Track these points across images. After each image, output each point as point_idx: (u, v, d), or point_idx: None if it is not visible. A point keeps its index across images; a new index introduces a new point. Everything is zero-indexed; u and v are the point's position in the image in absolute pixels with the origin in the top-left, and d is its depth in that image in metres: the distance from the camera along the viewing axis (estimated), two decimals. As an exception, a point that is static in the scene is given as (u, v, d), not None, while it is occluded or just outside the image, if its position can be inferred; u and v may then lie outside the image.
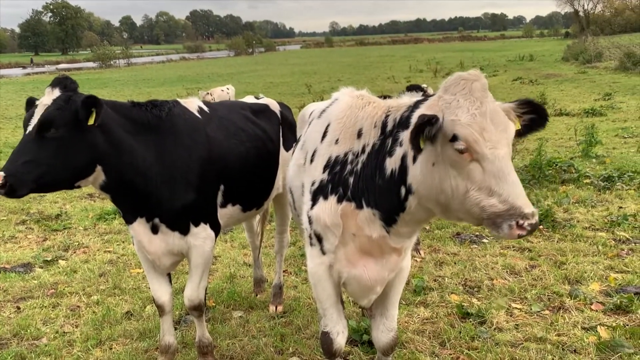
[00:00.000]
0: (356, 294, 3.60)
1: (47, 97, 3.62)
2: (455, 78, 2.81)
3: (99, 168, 3.75)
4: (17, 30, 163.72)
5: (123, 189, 3.89)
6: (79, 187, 3.85)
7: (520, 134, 2.83)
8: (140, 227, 4.06)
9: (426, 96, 6.25)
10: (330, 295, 3.59)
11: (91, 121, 3.62)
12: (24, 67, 78.17)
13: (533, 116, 2.83)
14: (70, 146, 3.62)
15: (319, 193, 3.39)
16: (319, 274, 3.53)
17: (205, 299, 4.57)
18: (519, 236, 2.62)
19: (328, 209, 3.34)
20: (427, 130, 2.71)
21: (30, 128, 3.53)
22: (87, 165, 3.72)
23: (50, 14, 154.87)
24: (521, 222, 2.58)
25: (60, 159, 3.59)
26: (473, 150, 2.66)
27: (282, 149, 5.02)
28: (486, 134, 2.65)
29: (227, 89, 18.90)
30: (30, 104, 3.70)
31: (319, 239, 3.44)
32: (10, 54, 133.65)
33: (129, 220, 4.07)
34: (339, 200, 3.31)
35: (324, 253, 3.47)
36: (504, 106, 2.80)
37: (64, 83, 3.71)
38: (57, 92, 3.64)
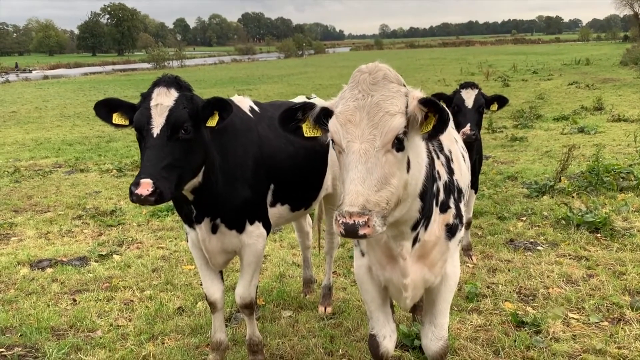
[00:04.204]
0: (393, 296, 3.56)
1: (166, 98, 3.53)
2: (356, 70, 2.76)
3: (202, 168, 3.79)
4: (76, 31, 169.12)
5: (207, 189, 3.88)
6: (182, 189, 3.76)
7: (429, 136, 2.69)
8: (205, 227, 4.09)
9: (482, 94, 6.17)
10: (375, 298, 3.54)
11: (212, 123, 3.64)
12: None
13: (438, 115, 2.66)
14: (195, 147, 3.64)
15: None
16: (360, 276, 3.51)
17: (255, 298, 4.58)
18: (340, 233, 2.47)
19: None
20: (307, 118, 2.85)
21: (157, 130, 3.45)
22: (200, 166, 3.76)
23: (107, 16, 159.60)
24: (339, 218, 2.45)
25: (190, 160, 3.60)
26: (335, 141, 2.65)
27: (331, 149, 5.00)
28: (350, 126, 2.59)
29: None
30: (146, 98, 3.58)
31: None
32: (70, 55, 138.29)
33: (197, 221, 4.06)
34: None
35: (362, 254, 3.45)
36: (413, 104, 2.67)
37: (178, 82, 3.66)
38: (174, 93, 3.58)
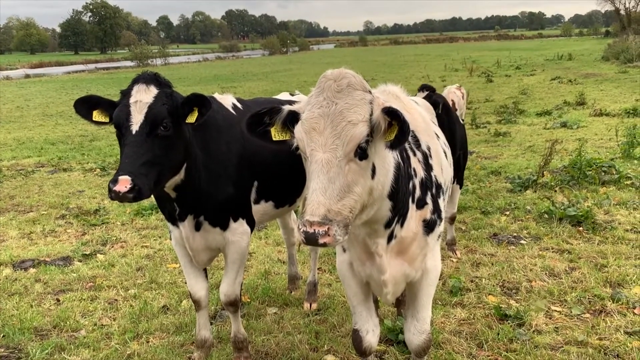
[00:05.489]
0: (375, 292, 3.59)
1: (145, 95, 3.52)
2: (322, 75, 2.75)
3: (184, 165, 3.78)
4: (58, 30, 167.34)
5: (190, 186, 3.88)
6: (163, 187, 3.75)
7: (391, 145, 2.67)
8: (188, 225, 4.09)
9: (430, 97, 6.20)
10: (357, 293, 3.57)
11: (192, 119, 3.61)
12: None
13: (399, 126, 2.63)
14: (175, 144, 3.62)
15: None
16: (343, 271, 3.54)
17: (240, 295, 4.58)
18: (302, 241, 2.53)
19: None
20: (275, 122, 2.83)
21: (136, 127, 3.44)
22: (182, 163, 3.74)
23: (89, 14, 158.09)
24: (300, 227, 2.50)
25: (169, 156, 3.58)
26: (300, 148, 2.68)
27: None
28: (314, 134, 2.59)
29: None
30: (126, 95, 3.57)
31: None
32: (52, 53, 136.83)
33: (181, 218, 4.06)
34: None
35: (344, 250, 3.48)
36: (378, 112, 2.65)
37: (157, 79, 3.64)
38: (154, 89, 3.56)
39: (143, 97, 3.51)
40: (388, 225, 3.08)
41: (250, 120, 2.88)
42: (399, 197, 3.01)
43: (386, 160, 2.83)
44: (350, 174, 2.57)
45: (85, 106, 3.68)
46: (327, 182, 2.52)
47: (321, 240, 2.47)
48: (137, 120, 3.45)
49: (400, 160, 3.01)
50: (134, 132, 3.44)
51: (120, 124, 3.49)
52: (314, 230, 2.46)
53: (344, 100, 2.62)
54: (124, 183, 3.27)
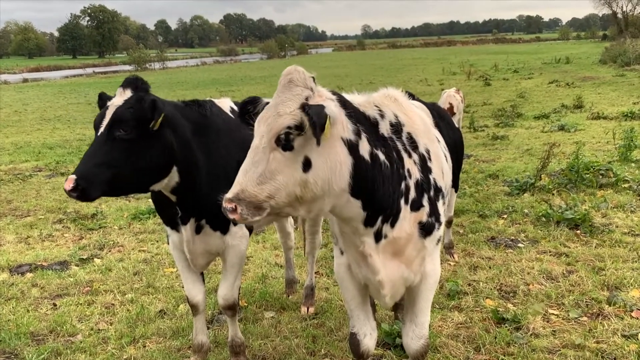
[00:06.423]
0: (373, 295, 3.59)
1: (119, 98, 3.56)
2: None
3: (174, 169, 3.77)
4: (56, 34, 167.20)
5: (190, 189, 3.89)
6: (152, 190, 3.80)
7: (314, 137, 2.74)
8: (190, 228, 4.09)
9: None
10: (355, 296, 3.56)
11: (156, 125, 3.58)
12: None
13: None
14: (143, 148, 3.57)
15: None
16: (340, 274, 3.54)
17: (238, 299, 4.58)
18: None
19: None
20: (257, 109, 3.01)
21: (102, 129, 3.47)
22: (163, 167, 3.72)
23: (87, 18, 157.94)
24: (220, 201, 2.77)
25: (133, 160, 3.54)
26: None
27: None
28: (258, 124, 2.83)
29: None
30: (103, 99, 3.67)
31: (336, 237, 3.45)
32: (50, 57, 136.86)
33: (183, 222, 4.06)
34: None
35: (341, 253, 3.48)
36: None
37: (135, 84, 3.66)
38: (128, 93, 3.59)
39: (116, 100, 3.57)
40: (368, 223, 3.08)
41: (240, 110, 3.15)
42: (377, 196, 3.00)
43: (331, 157, 2.82)
44: (274, 162, 2.74)
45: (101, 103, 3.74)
46: (250, 165, 2.75)
47: (230, 216, 2.73)
48: (105, 122, 3.51)
49: (385, 160, 3.03)
50: (99, 133, 3.50)
51: (95, 127, 3.55)
52: (225, 205, 2.72)
53: (284, 95, 2.82)
54: (69, 182, 3.34)
